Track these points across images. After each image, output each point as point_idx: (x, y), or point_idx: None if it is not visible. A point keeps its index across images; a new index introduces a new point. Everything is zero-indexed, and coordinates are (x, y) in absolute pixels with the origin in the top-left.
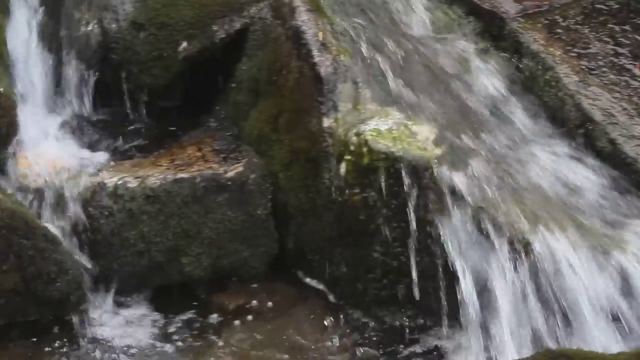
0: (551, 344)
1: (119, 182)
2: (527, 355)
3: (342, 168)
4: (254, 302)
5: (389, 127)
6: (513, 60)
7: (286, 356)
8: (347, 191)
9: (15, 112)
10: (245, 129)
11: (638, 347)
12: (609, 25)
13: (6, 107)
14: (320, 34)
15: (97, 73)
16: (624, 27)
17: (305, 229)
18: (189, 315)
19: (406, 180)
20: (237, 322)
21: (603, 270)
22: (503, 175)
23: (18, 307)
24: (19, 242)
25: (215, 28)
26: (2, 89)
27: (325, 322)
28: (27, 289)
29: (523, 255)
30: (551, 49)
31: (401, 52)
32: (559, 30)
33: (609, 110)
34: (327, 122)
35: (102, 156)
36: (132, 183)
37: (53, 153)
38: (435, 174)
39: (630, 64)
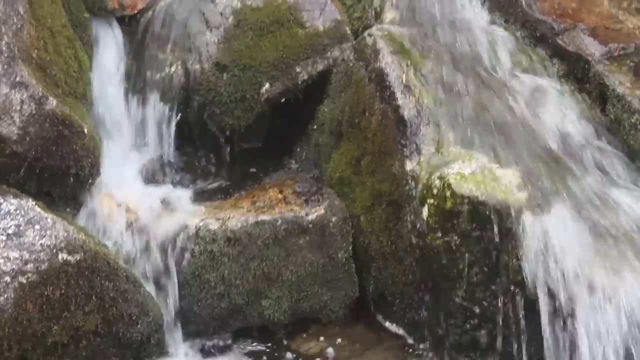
0: None
1: (201, 224)
2: None
3: (425, 211)
4: (333, 346)
5: (472, 171)
6: (598, 103)
7: None
8: (429, 235)
9: (99, 153)
10: (326, 171)
11: None
12: None
13: (90, 147)
14: (404, 77)
15: (179, 114)
16: None
17: (386, 273)
18: (267, 358)
19: (490, 225)
20: None
21: None
22: (588, 219)
23: (99, 349)
24: (101, 284)
25: (298, 70)
26: (86, 130)
27: None
28: (108, 330)
29: (606, 303)
30: (637, 92)
31: (484, 95)
32: None
33: None
34: (410, 165)
35: (183, 197)
36: (214, 225)
37: (135, 194)
38: (520, 218)
39: None
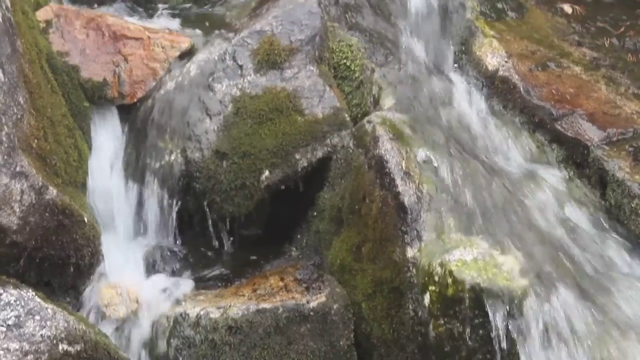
0: None
1: (202, 313)
2: None
3: (427, 298)
4: None
5: (474, 257)
6: (598, 188)
7: None
8: (431, 322)
9: (99, 242)
10: (327, 258)
11: None
12: None
13: (90, 236)
14: (404, 163)
15: (179, 202)
16: None
17: None
18: None
19: (492, 312)
20: None
21: None
22: (591, 306)
23: None
24: None
25: (297, 157)
26: (86, 219)
27: None
28: None
29: None
30: (637, 177)
31: (484, 180)
32: None
33: None
34: (411, 252)
35: (184, 285)
36: (215, 313)
37: (136, 282)
38: (523, 304)
39: None
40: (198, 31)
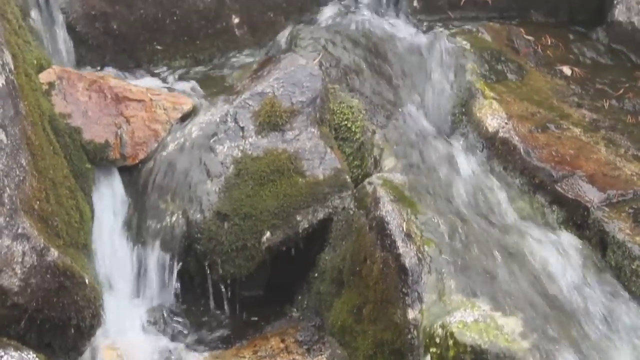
0: None
1: None
2: None
3: None
4: None
5: (475, 319)
6: (598, 249)
7: None
8: None
9: (100, 304)
10: (328, 320)
11: None
12: None
13: (91, 298)
14: (404, 225)
15: (180, 263)
16: None
17: None
18: None
19: None
20: None
21: None
22: None
23: None
24: None
25: (298, 218)
26: (87, 280)
27: None
28: None
29: None
30: (637, 239)
31: (485, 241)
32: None
33: None
34: (412, 314)
35: (185, 347)
36: None
37: (136, 344)
38: None
39: None
40: (200, 92)
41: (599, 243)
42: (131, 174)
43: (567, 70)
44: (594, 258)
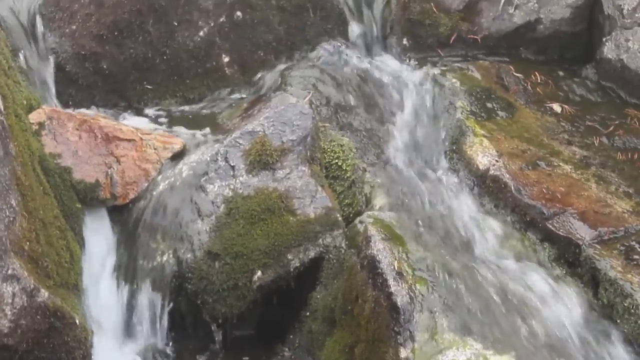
0: None
1: None
2: None
3: None
4: None
5: (467, 358)
6: (590, 287)
7: None
8: None
9: (90, 344)
10: (320, 359)
11: None
12: None
13: (81, 338)
14: (396, 263)
15: (171, 302)
16: None
17: None
18: None
19: None
20: None
21: None
22: None
23: None
24: None
25: (290, 257)
26: (77, 321)
27: None
28: None
29: None
30: (629, 276)
31: (477, 279)
32: (636, 257)
33: None
34: (404, 353)
35: None
36: None
37: None
38: None
39: None
40: (190, 132)
41: (591, 280)
42: (122, 213)
43: (557, 107)
44: (586, 296)
